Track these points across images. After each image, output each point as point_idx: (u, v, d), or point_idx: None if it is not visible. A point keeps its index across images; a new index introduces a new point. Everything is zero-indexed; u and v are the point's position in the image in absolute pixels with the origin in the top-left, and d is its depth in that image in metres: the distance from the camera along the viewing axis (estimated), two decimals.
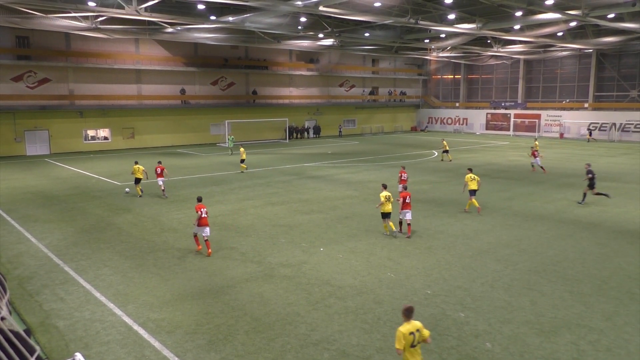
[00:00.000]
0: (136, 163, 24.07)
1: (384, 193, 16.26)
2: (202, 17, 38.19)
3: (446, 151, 36.11)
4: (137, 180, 23.56)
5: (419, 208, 20.58)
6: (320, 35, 47.42)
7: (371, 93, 70.64)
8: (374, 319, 10.23)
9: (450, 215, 19.30)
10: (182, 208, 20.82)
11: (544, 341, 9.26)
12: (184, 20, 37.48)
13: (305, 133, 61.44)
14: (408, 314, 7.03)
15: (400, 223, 16.66)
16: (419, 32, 48.96)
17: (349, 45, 56.90)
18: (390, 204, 16.24)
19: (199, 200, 14.93)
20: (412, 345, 6.93)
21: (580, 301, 11.03)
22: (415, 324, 7.02)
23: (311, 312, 10.57)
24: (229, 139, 45.66)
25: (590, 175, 21.33)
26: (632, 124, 54.97)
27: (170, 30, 42.40)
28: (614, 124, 56.19)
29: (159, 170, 23.52)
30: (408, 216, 16.14)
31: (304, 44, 53.89)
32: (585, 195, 21.56)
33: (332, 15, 36.01)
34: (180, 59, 51.17)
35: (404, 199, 16.16)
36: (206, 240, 14.44)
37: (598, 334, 9.54)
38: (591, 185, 21.38)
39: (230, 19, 37.87)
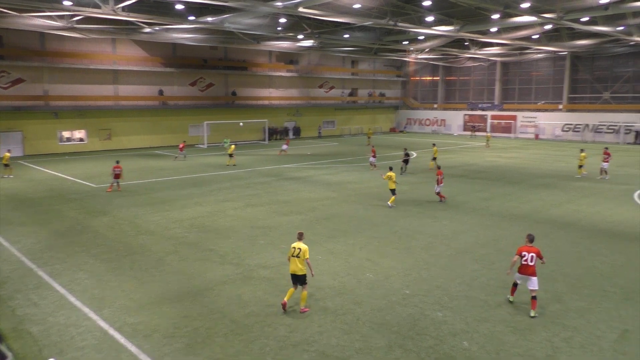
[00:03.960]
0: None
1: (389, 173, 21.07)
2: (181, 17, 37.87)
3: (434, 158, 35.54)
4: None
5: (398, 209, 20.75)
6: (300, 37, 47.43)
7: (351, 94, 70.92)
8: (353, 319, 10.26)
9: (429, 216, 19.46)
10: (160, 210, 20.59)
11: (520, 339, 9.41)
12: (162, 20, 37.09)
13: (282, 133, 61.39)
14: (299, 237, 10.75)
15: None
16: (398, 34, 49.34)
17: (328, 47, 57.02)
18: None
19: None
20: (293, 256, 10.48)
21: (555, 299, 11.23)
22: (300, 244, 10.51)
23: (290, 313, 10.55)
24: (224, 141, 47.18)
25: None
26: (605, 125, 56.24)
27: (148, 30, 41.93)
28: (587, 125, 57.42)
29: (117, 170, 24.68)
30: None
31: (284, 45, 53.85)
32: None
33: (312, 16, 36.07)
34: (159, 59, 50.62)
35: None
36: None
37: (572, 331, 9.72)
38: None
39: (209, 19, 37.66)
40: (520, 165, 35.01)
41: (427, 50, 58.89)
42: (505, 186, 26.29)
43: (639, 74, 55.33)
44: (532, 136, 61.29)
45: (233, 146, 36.22)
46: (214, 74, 55.21)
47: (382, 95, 74.77)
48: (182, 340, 9.41)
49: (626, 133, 54.36)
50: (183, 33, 44.25)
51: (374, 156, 32.83)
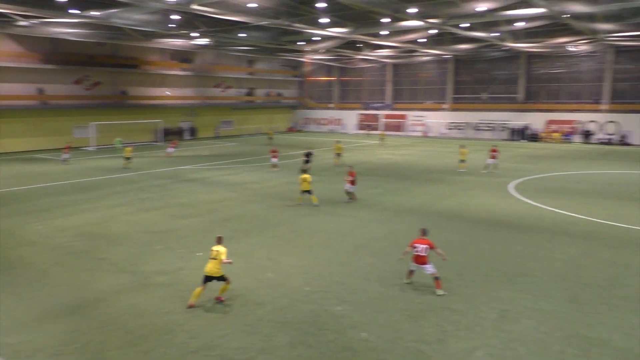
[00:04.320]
0: None
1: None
2: (61, 10, 35.15)
3: (339, 154, 36.09)
4: None
5: (297, 208, 21.00)
6: (194, 35, 46.24)
7: (248, 94, 70.44)
8: (255, 320, 10.24)
9: (327, 213, 19.93)
10: (43, 219, 19.04)
11: (414, 326, 9.98)
12: (38, 13, 34.23)
13: (181, 135, 59.48)
14: (218, 241, 11.30)
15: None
16: (294, 35, 49.85)
17: (224, 46, 56.19)
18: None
19: None
20: (211, 258, 10.93)
21: (444, 286, 12.02)
22: (218, 247, 11.05)
23: (190, 319, 10.29)
24: (116, 141, 45.07)
25: None
26: (484, 123, 61.24)
27: (23, 23, 38.48)
28: (469, 123, 62.14)
29: None
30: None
31: (177, 42, 52.17)
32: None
33: (207, 14, 35.30)
34: (37, 55, 46.59)
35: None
36: None
37: (459, 314, 10.49)
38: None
39: (95, 13, 35.39)
40: (411, 162, 37.01)
41: (322, 51, 60.18)
42: (397, 182, 27.63)
43: (512, 77, 60.83)
44: (421, 134, 65.02)
45: (130, 148, 34.44)
46: (101, 71, 51.94)
47: (279, 95, 75.14)
48: (71, 358, 8.80)
49: (502, 130, 59.60)
50: (65, 27, 41.21)
51: (275, 157, 32.68)
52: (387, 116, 68.37)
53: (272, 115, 73.17)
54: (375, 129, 67.31)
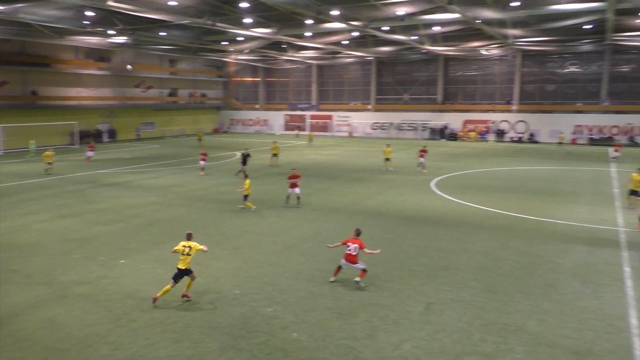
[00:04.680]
0: None
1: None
2: None
3: (275, 155, 35.61)
4: None
5: (225, 209, 20.69)
6: (111, 32, 44.25)
7: (170, 94, 68.41)
8: (183, 327, 9.97)
9: (256, 214, 19.79)
10: None
11: (344, 323, 10.14)
12: None
13: (99, 137, 56.71)
14: (188, 237, 11.44)
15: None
16: (217, 34, 49.04)
17: (144, 44, 54.20)
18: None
19: None
20: (183, 254, 11.12)
21: (372, 283, 12.33)
22: (190, 242, 11.23)
23: (113, 329, 9.83)
24: (30, 144, 42.13)
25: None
26: (406, 123, 63.39)
27: None
28: (392, 123, 64.06)
29: None
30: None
31: (93, 40, 49.68)
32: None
33: (124, 11, 33.87)
34: None
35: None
36: None
37: (387, 309, 10.79)
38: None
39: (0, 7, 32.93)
40: (337, 162, 37.58)
41: (247, 51, 59.66)
42: (324, 182, 27.94)
43: (431, 78, 63.42)
44: (347, 134, 66.18)
45: (51, 152, 31.85)
46: (7, 70, 48.35)
47: (203, 95, 73.59)
48: None
49: (423, 130, 61.97)
50: None
51: (204, 159, 31.24)
52: (313, 117, 68.97)
53: (196, 116, 71.52)
54: (304, 129, 67.69)
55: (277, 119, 71.90)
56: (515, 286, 12.11)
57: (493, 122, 58.73)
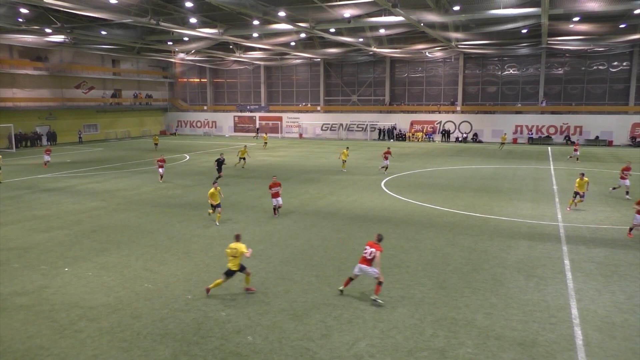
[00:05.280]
0: None
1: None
2: None
3: (243, 158, 34.72)
4: None
5: (173, 213, 20.21)
6: (48, 31, 42.31)
7: (114, 96, 66.16)
8: (133, 335, 9.65)
9: (207, 218, 19.43)
10: None
11: (298, 324, 10.11)
12: None
13: (37, 140, 54.11)
14: (236, 238, 11.73)
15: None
16: (161, 34, 47.91)
17: (84, 43, 52.19)
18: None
19: None
20: (232, 256, 11.46)
21: (325, 283, 12.38)
22: (237, 244, 11.48)
23: (58, 341, 9.39)
24: None
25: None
26: (355, 124, 64.11)
27: None
28: (342, 124, 64.63)
29: None
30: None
31: (28, 39, 47.32)
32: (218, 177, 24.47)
33: (61, 8, 32.47)
34: None
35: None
36: None
37: (341, 309, 10.85)
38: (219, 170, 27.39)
39: None
40: (288, 163, 37.52)
41: (193, 51, 58.59)
42: None
43: (379, 80, 64.44)
44: (297, 135, 66.19)
45: None
46: None
47: (149, 96, 71.62)
48: None
49: (372, 131, 62.88)
50: None
51: (161, 166, 28.63)
52: (263, 118, 68.55)
53: (141, 118, 69.57)
54: (252, 131, 67.14)
55: (226, 120, 70.97)
56: (463, 282, 12.47)
57: (439, 123, 60.34)
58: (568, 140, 54.09)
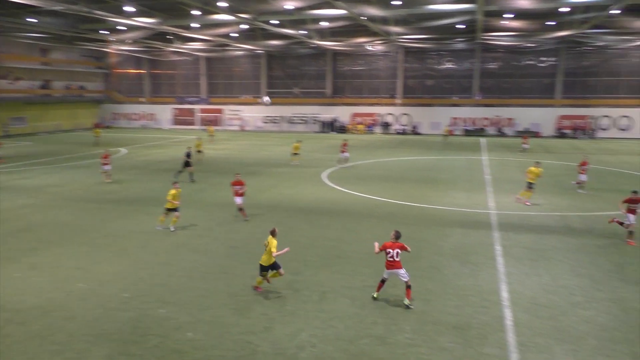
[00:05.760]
0: None
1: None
2: None
3: (199, 151, 33.10)
4: None
5: (108, 209, 19.51)
6: None
7: (43, 87, 62.73)
8: (66, 337, 9.27)
9: (143, 213, 18.90)
10: None
11: (240, 318, 10.07)
12: None
13: None
14: (271, 233, 11.35)
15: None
16: (95, 22, 45.81)
17: (10, 31, 49.12)
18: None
19: None
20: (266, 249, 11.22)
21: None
22: (270, 238, 11.21)
23: None
24: None
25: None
26: (297, 116, 64.14)
27: None
28: (283, 117, 64.47)
29: None
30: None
31: None
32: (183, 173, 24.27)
33: None
34: None
35: None
36: None
37: (282, 301, 10.90)
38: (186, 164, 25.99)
39: None
40: (230, 156, 37.04)
41: (129, 41, 56.41)
42: (216, 176, 27.41)
43: (321, 72, 64.65)
44: (238, 128, 65.41)
45: None
46: None
47: (82, 88, 68.44)
48: None
49: (314, 123, 63.12)
50: None
51: (106, 163, 25.81)
52: (204, 110, 67.21)
53: (74, 110, 66.38)
54: (215, 124, 65.66)
55: (164, 113, 69.03)
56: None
57: (379, 115, 61.39)
58: (500, 132, 56.54)
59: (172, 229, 16.38)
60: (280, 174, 28.67)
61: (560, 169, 30.57)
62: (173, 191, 16.54)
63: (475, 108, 58.52)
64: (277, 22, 44.72)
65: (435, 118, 59.08)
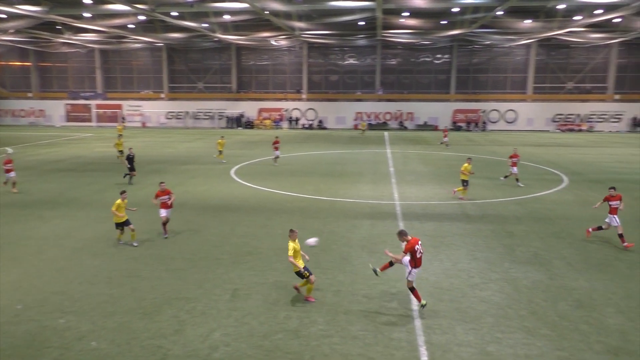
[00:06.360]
0: None
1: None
2: None
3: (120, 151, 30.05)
4: None
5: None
6: None
7: None
8: None
9: (36, 217, 17.51)
10: None
11: (148, 322, 9.67)
12: None
13: None
14: (293, 235, 10.65)
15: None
16: None
17: None
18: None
19: None
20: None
21: (176, 276, 11.99)
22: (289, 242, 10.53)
23: None
24: None
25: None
26: (202, 112, 62.61)
27: None
28: (188, 112, 62.63)
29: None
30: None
31: None
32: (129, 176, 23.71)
33: None
34: None
35: None
36: None
37: (193, 302, 10.62)
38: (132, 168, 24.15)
39: None
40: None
41: (12, 30, 51.66)
42: (117, 176, 26.01)
43: (225, 67, 63.55)
44: (140, 124, 62.54)
45: None
46: None
47: None
48: None
49: (219, 118, 61.97)
50: None
51: (10, 170, 21.91)
52: (100, 106, 63.41)
53: None
54: (87, 120, 61.73)
55: (56, 108, 64.24)
56: (313, 263, 12.94)
57: (286, 110, 61.61)
58: (401, 126, 59.14)
59: (135, 244, 14.34)
60: (186, 171, 27.85)
61: (456, 159, 32.61)
62: (118, 201, 14.35)
63: (378, 103, 60.67)
64: (177, 14, 43.26)
65: (340, 113, 60.48)
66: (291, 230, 10.81)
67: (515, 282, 11.72)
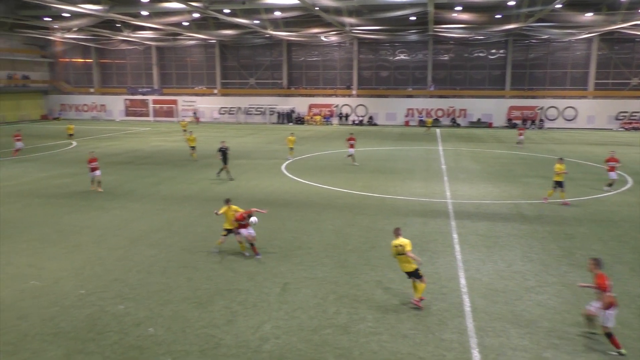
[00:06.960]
0: None
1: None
2: None
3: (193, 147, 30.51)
4: None
5: (59, 204, 18.80)
6: None
7: None
8: (19, 336, 8.90)
9: (97, 208, 18.31)
10: None
11: (202, 312, 9.94)
12: None
13: None
14: (395, 233, 10.33)
15: None
16: (36, 9, 43.86)
17: None
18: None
19: None
20: (398, 254, 10.13)
21: (228, 268, 12.26)
22: (401, 240, 10.12)
23: None
24: None
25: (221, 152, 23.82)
26: (254, 107, 63.54)
27: None
28: (240, 108, 63.72)
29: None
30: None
31: None
32: (221, 170, 23.97)
33: None
34: None
35: None
36: None
37: (245, 294, 10.83)
38: (225, 161, 23.83)
39: None
40: (185, 148, 36.26)
41: (75, 29, 54.19)
42: (172, 169, 26.86)
43: (276, 63, 64.18)
44: (193, 119, 64.18)
45: None
46: None
47: (26, 77, 65.33)
48: None
49: (270, 114, 62.69)
50: None
51: (95, 168, 21.32)
52: (157, 102, 65.54)
53: (18, 101, 63.39)
54: (144, 115, 63.90)
55: (116, 104, 66.92)
56: (363, 260, 12.98)
57: (336, 106, 61.61)
58: (454, 123, 57.93)
59: (246, 254, 13.22)
60: (238, 165, 28.33)
61: (511, 158, 31.65)
62: (224, 208, 13.34)
63: (429, 99, 59.65)
64: (229, 11, 44.03)
65: (391, 109, 59.87)
66: (396, 229, 10.53)
67: (573, 287, 11.27)
